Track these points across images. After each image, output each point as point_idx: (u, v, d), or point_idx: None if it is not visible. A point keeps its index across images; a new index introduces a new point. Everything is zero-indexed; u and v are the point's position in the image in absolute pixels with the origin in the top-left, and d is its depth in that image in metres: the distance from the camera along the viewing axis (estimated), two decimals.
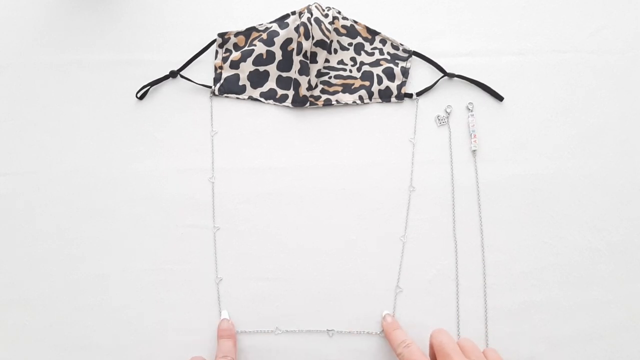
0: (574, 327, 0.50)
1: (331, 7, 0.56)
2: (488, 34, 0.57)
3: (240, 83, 0.56)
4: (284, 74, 0.55)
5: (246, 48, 0.56)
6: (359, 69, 0.56)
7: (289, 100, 0.55)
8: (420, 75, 0.56)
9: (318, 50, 0.54)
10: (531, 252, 0.51)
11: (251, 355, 0.50)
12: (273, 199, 0.53)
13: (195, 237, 0.53)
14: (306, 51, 0.53)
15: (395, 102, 0.55)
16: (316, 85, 0.55)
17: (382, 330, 0.49)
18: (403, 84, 0.55)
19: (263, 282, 0.52)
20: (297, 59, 0.53)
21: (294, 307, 0.51)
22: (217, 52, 0.56)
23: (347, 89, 0.55)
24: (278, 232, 0.53)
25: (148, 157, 0.54)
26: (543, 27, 0.57)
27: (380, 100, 0.55)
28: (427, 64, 0.56)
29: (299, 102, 0.54)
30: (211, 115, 0.55)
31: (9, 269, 0.52)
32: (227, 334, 0.49)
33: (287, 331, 0.51)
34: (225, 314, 0.50)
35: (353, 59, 0.56)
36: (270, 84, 0.56)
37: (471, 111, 0.55)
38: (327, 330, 0.51)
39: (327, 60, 0.55)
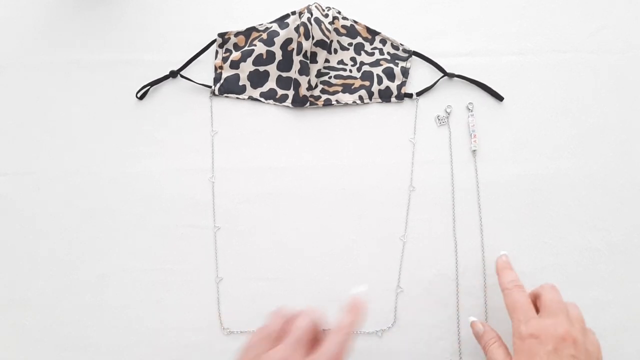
0: None
1: (331, 7, 0.56)
2: (488, 34, 0.57)
3: (240, 83, 0.56)
4: (284, 74, 0.55)
5: (246, 48, 0.56)
6: (359, 69, 0.56)
7: (289, 100, 0.55)
8: (420, 75, 0.56)
9: (318, 50, 0.54)
10: (531, 252, 0.51)
11: None
12: (273, 199, 0.53)
13: (195, 237, 0.53)
14: (306, 51, 0.53)
15: (395, 102, 0.55)
16: (316, 85, 0.55)
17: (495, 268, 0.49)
18: (403, 84, 0.55)
19: (263, 282, 0.52)
20: (297, 59, 0.53)
21: (294, 307, 0.51)
22: (217, 52, 0.56)
23: (347, 89, 0.55)
24: (278, 232, 0.53)
25: (148, 157, 0.54)
26: (543, 27, 0.57)
27: (380, 100, 0.55)
28: (427, 64, 0.56)
29: (299, 102, 0.54)
30: (211, 115, 0.55)
31: (9, 269, 0.52)
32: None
33: None
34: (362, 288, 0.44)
35: (353, 59, 0.56)
36: (270, 84, 0.56)
37: (471, 111, 0.55)
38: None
39: (327, 60, 0.55)
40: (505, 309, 0.44)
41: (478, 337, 0.47)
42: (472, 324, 0.48)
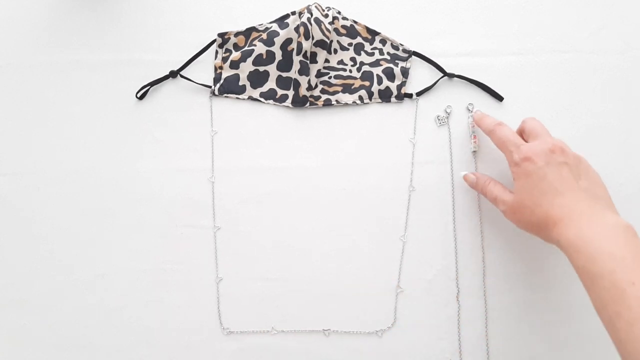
0: (574, 327, 0.50)
1: (331, 7, 0.56)
2: (488, 34, 0.57)
3: (240, 83, 0.56)
4: (284, 74, 0.55)
5: (246, 48, 0.56)
6: (358, 69, 0.56)
7: (289, 100, 0.55)
8: (420, 75, 0.56)
9: (318, 50, 0.54)
10: (531, 252, 0.51)
11: (251, 355, 0.51)
12: (273, 199, 0.53)
13: (195, 237, 0.53)
14: (306, 51, 0.53)
15: (395, 102, 0.55)
16: (316, 85, 0.55)
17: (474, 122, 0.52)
18: (403, 84, 0.55)
19: (263, 282, 0.52)
20: (297, 59, 0.53)
21: (294, 307, 0.51)
22: (217, 52, 0.56)
23: (347, 89, 0.55)
24: (278, 232, 0.53)
25: (148, 157, 0.54)
26: (543, 27, 0.57)
27: (380, 100, 0.55)
28: (427, 64, 0.56)
29: (299, 102, 0.54)
30: (211, 115, 0.55)
31: (9, 269, 0.52)
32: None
33: (283, 331, 0.51)
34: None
35: (353, 59, 0.56)
36: (270, 84, 0.56)
37: (471, 112, 0.55)
38: (323, 330, 0.51)
39: (327, 60, 0.55)
40: (496, 146, 0.48)
41: (473, 185, 0.51)
42: (465, 177, 0.51)
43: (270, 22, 0.56)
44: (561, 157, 0.44)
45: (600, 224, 0.40)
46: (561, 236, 0.41)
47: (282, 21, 0.56)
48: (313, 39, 0.53)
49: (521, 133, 0.49)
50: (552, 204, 0.42)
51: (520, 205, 0.44)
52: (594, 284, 0.38)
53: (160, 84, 0.56)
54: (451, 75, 0.55)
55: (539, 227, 0.44)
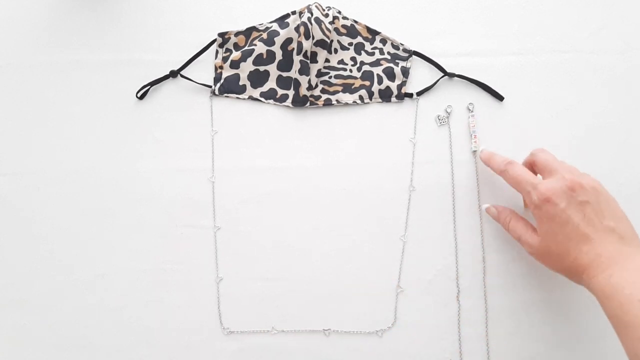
0: (574, 327, 0.50)
1: (331, 6, 0.56)
2: (488, 34, 0.57)
3: (241, 83, 0.56)
4: (284, 74, 0.55)
5: (246, 48, 0.56)
6: (359, 69, 0.56)
7: (289, 100, 0.55)
8: (420, 75, 0.56)
9: (318, 50, 0.54)
10: None
11: (251, 355, 0.51)
12: (273, 199, 0.53)
13: (195, 237, 0.53)
14: (306, 51, 0.53)
15: (396, 102, 0.55)
16: (316, 85, 0.55)
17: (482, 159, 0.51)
18: (403, 83, 0.55)
19: (263, 282, 0.52)
20: (297, 59, 0.53)
21: (294, 307, 0.51)
22: (217, 51, 0.56)
23: (347, 88, 0.55)
24: (278, 232, 0.53)
25: (148, 157, 0.54)
26: (543, 27, 0.57)
27: (380, 100, 0.55)
28: (427, 63, 0.56)
29: (299, 102, 0.54)
30: (211, 115, 0.55)
31: (9, 269, 0.52)
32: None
33: (283, 331, 0.51)
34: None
35: (353, 59, 0.56)
36: (271, 83, 0.56)
37: (471, 112, 0.55)
38: (323, 330, 0.51)
39: (327, 60, 0.55)
40: (511, 186, 0.47)
41: (496, 218, 0.50)
42: (487, 210, 0.50)
43: (271, 22, 0.56)
44: (582, 195, 0.42)
45: (630, 268, 0.39)
46: (591, 282, 0.40)
47: (282, 21, 0.56)
48: (313, 38, 0.53)
49: (531, 166, 0.47)
50: (580, 250, 0.41)
51: (547, 251, 0.44)
52: (626, 334, 0.37)
53: (160, 83, 0.56)
54: (451, 75, 0.55)
55: (568, 272, 0.43)
